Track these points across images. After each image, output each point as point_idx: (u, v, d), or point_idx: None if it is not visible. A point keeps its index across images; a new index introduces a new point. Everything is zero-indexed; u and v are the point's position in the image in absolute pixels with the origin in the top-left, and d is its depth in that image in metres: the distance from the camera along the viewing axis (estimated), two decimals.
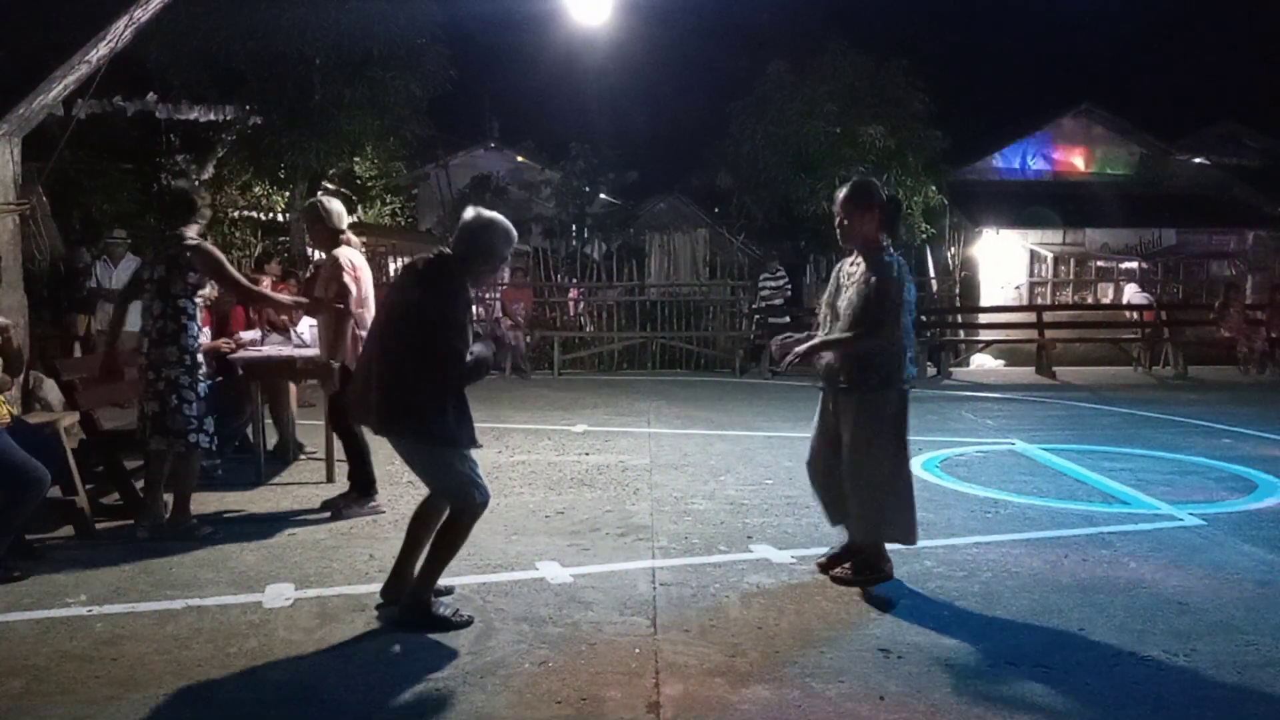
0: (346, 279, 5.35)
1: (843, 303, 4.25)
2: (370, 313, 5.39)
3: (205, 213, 5.14)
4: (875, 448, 4.20)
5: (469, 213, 3.87)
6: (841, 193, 4.32)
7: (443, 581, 4.00)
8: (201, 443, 4.94)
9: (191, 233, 4.99)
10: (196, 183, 13.79)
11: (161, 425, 4.84)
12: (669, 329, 15.13)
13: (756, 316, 14.24)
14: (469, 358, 3.65)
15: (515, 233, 3.88)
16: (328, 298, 5.35)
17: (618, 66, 22.45)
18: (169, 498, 5.06)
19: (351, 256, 5.51)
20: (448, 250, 3.83)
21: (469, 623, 3.79)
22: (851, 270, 4.32)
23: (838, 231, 4.36)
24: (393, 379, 3.68)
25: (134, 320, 5.21)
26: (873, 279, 4.13)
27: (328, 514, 5.44)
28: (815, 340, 4.30)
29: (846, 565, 4.40)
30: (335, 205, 5.67)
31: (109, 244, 9.39)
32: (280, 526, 5.26)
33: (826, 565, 4.49)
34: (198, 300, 5.00)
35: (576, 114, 22.17)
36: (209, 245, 5.06)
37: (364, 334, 5.18)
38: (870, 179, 4.45)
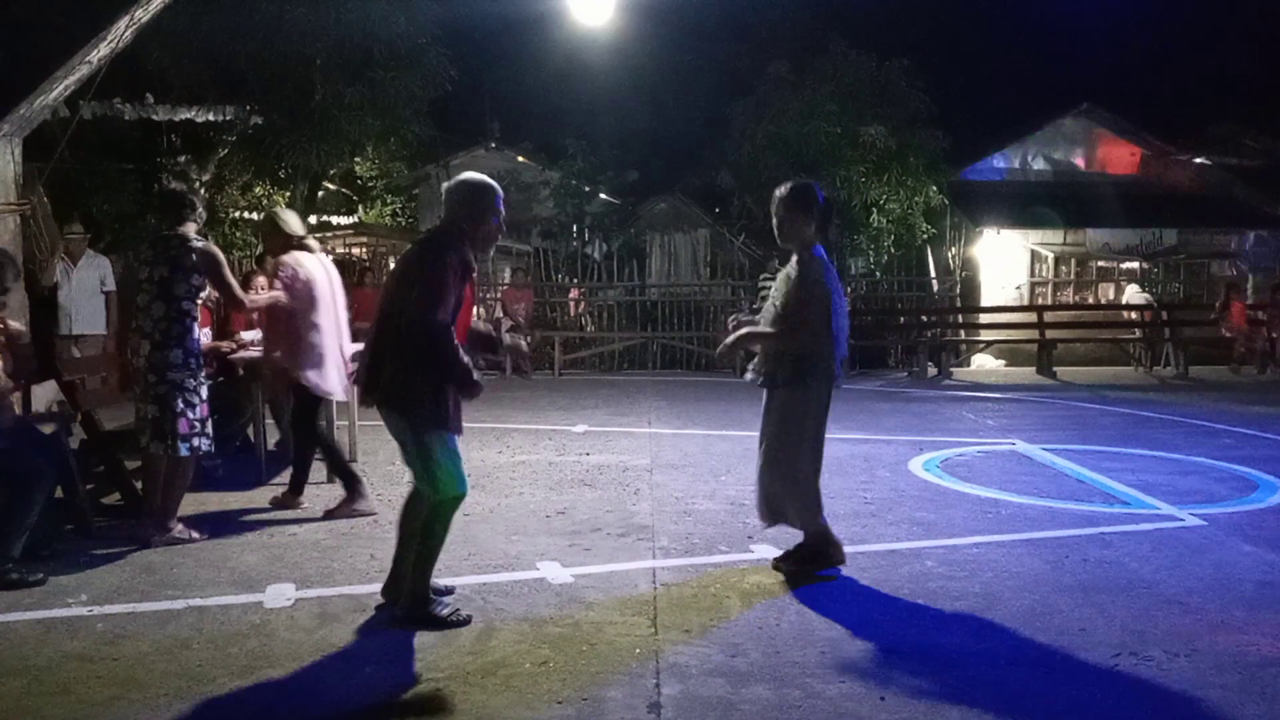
0: (277, 283, 5.52)
1: (778, 299, 4.36)
2: (323, 317, 5.53)
3: (201, 212, 5.11)
4: (795, 440, 4.33)
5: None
6: (781, 192, 4.38)
7: (444, 582, 4.01)
8: (203, 447, 4.90)
9: (191, 232, 4.94)
10: (198, 184, 13.77)
11: (161, 430, 4.76)
12: (669, 329, 15.14)
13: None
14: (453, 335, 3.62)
15: (488, 182, 3.87)
16: (248, 294, 5.62)
17: (618, 66, 22.39)
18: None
19: (301, 261, 5.56)
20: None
21: (469, 622, 3.79)
22: (790, 270, 4.40)
23: (775, 231, 4.43)
24: (379, 356, 3.71)
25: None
26: (796, 279, 4.26)
27: (322, 517, 5.44)
28: (742, 331, 4.43)
29: (792, 557, 4.45)
30: (287, 215, 5.83)
31: (66, 240, 9.14)
32: (281, 526, 5.27)
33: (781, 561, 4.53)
34: (198, 302, 4.98)
35: (576, 114, 22.04)
36: (213, 247, 5.02)
37: (317, 339, 5.43)
38: (810, 181, 4.54)
